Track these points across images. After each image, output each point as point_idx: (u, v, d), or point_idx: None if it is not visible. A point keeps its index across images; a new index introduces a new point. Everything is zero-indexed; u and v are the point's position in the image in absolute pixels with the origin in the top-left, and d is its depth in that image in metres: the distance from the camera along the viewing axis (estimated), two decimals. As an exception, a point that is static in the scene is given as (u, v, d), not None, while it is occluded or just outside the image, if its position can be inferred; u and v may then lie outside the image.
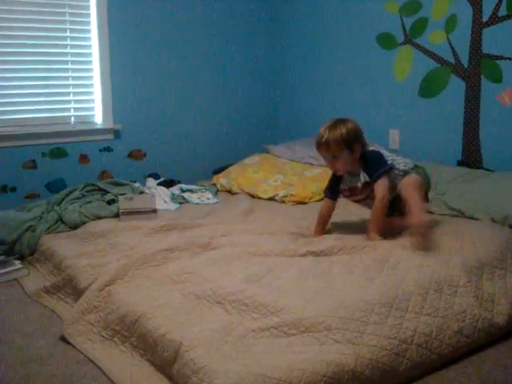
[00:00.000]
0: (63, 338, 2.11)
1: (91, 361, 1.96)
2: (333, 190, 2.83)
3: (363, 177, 2.68)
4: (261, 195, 3.70)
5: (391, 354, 1.77)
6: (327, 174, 3.68)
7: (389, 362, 1.76)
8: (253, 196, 3.74)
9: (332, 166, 2.69)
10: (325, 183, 3.65)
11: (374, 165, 2.66)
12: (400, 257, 2.32)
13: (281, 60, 4.77)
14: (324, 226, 2.84)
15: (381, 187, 2.62)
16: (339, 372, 1.64)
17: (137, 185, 3.70)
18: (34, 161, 3.79)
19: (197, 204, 3.63)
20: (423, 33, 3.65)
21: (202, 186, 3.96)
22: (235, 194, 3.86)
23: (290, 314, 1.85)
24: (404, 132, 3.86)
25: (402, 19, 3.76)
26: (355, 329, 1.79)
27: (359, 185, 2.70)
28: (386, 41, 3.90)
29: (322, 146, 2.62)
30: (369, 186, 2.68)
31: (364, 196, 2.75)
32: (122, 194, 3.39)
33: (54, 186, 3.86)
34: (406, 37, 3.76)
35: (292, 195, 3.59)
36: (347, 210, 3.16)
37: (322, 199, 3.50)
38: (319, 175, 3.72)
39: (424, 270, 2.18)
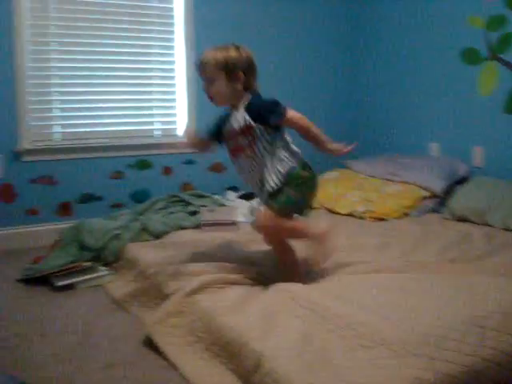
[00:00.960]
0: (147, 344, 2.17)
1: (174, 367, 2.00)
2: (213, 131, 2.44)
3: (243, 118, 2.26)
4: (340, 210, 3.69)
5: (471, 372, 1.72)
6: (408, 190, 3.66)
7: (468, 380, 1.70)
8: (331, 211, 3.73)
9: (206, 90, 2.32)
10: (405, 201, 3.62)
11: (265, 104, 2.26)
12: (480, 278, 2.30)
13: (360, 75, 4.76)
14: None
15: (293, 113, 2.28)
16: (419, 387, 1.61)
17: (217, 197, 3.77)
18: (120, 172, 3.94)
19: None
20: (509, 48, 3.55)
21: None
22: (314, 208, 3.86)
23: (368, 328, 1.83)
24: (489, 149, 3.75)
25: (486, 34, 3.67)
26: (434, 344, 1.75)
27: (236, 126, 2.30)
28: (470, 56, 3.81)
29: (200, 64, 2.30)
30: (249, 132, 2.27)
31: (240, 145, 2.32)
32: (204, 206, 3.47)
33: (139, 196, 3.99)
34: (491, 52, 3.66)
35: (371, 211, 3.56)
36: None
37: (402, 216, 3.49)
38: (399, 192, 3.68)
39: (506, 291, 2.13)
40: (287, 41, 4.50)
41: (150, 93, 4.06)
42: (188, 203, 3.55)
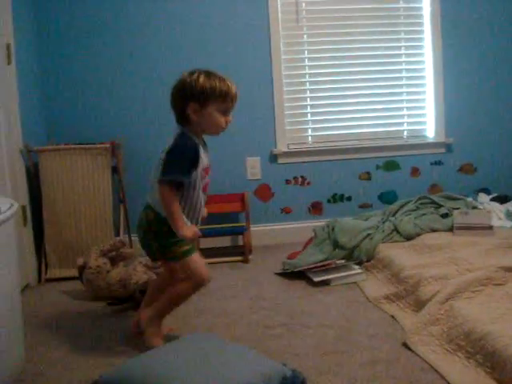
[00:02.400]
0: (405, 345, 2.20)
1: (435, 370, 1.99)
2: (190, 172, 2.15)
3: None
4: None
5: None
6: None
7: None
8: None
9: (228, 119, 2.22)
10: None
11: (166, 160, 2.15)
12: None
13: None
14: None
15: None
16: None
17: (469, 199, 3.65)
18: (368, 173, 4.02)
19: (535, 222, 3.42)
20: None
21: (539, 203, 3.72)
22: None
23: None
24: None
25: None
26: None
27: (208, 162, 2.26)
28: None
29: (235, 97, 2.20)
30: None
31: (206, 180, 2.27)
32: (456, 209, 3.38)
33: (386, 197, 4.04)
34: None
35: None
36: None
37: None
38: None
39: None
40: None
41: (399, 94, 4.07)
42: (439, 205, 3.49)
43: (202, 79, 2.12)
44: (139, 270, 2.87)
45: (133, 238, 3.59)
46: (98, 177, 3.36)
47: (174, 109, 2.21)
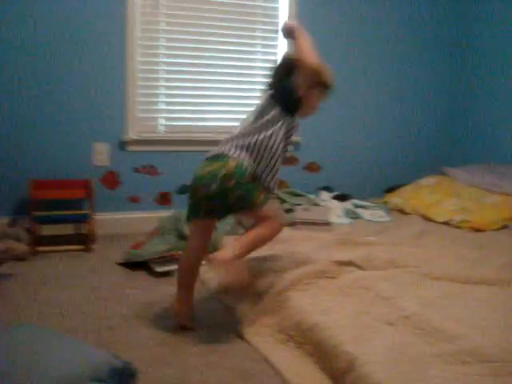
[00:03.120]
0: (240, 335, 2.24)
1: (266, 361, 2.05)
2: None
3: None
4: (435, 218, 3.63)
5: None
6: (509, 202, 3.54)
7: None
8: (426, 218, 3.68)
9: None
10: (505, 213, 3.50)
11: None
12: None
13: (464, 82, 4.63)
14: None
15: None
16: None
17: (312, 196, 3.81)
18: (218, 165, 4.04)
19: (369, 221, 3.64)
20: None
21: (373, 203, 3.97)
22: (407, 214, 3.82)
23: (467, 343, 1.81)
24: None
25: None
26: (535, 365, 1.71)
27: None
28: None
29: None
30: None
31: None
32: (298, 205, 3.51)
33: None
34: None
35: (469, 221, 3.47)
36: None
37: (499, 229, 3.38)
38: (500, 203, 3.57)
39: None
40: (388, 42, 4.46)
41: (252, 90, 4.13)
42: (283, 201, 3.60)
43: None
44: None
45: None
46: None
47: None
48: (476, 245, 3.07)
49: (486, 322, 1.98)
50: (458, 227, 3.48)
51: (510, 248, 2.99)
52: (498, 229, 3.43)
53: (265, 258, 2.74)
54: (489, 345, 1.79)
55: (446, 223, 3.56)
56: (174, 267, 2.94)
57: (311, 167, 4.32)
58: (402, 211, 3.89)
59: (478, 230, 3.41)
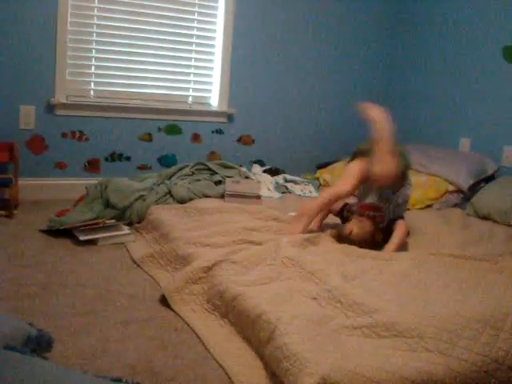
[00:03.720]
0: (163, 304, 2.22)
1: (189, 330, 2.05)
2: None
3: None
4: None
5: (481, 372, 1.74)
6: (433, 182, 3.65)
7: (477, 379, 1.72)
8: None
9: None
10: (429, 192, 3.61)
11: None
12: (497, 278, 2.31)
13: (398, 64, 4.71)
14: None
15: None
16: (428, 381, 1.63)
17: (243, 169, 3.80)
18: (150, 134, 3.98)
19: (299, 196, 3.67)
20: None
21: (305, 178, 4.01)
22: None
23: (384, 317, 1.86)
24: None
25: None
26: (447, 340, 1.77)
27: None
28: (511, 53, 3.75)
29: None
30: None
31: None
32: (229, 177, 3.50)
33: (166, 161, 4.04)
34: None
35: (395, 200, 3.55)
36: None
37: (424, 208, 3.48)
38: (424, 183, 3.66)
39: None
40: (325, 32, 4.47)
41: (188, 59, 4.06)
42: (214, 172, 3.58)
43: None
44: None
45: None
46: None
47: None
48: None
49: (405, 297, 2.03)
50: (384, 204, 3.55)
51: (433, 227, 3.08)
52: (422, 208, 3.52)
53: (193, 229, 2.73)
54: (405, 320, 1.83)
55: (373, 202, 3.62)
56: (98, 236, 2.88)
57: (244, 140, 4.31)
58: (331, 187, 3.94)
59: (403, 209, 3.49)
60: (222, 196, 3.30)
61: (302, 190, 3.77)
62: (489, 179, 3.71)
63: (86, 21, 3.72)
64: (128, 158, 3.94)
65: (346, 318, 1.91)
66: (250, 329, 1.93)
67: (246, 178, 3.62)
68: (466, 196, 3.66)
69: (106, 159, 3.88)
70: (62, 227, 2.97)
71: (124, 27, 3.82)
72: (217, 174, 3.56)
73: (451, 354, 1.73)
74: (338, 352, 1.68)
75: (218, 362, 1.85)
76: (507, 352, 1.81)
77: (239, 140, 4.29)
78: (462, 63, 4.13)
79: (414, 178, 3.70)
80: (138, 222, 3.13)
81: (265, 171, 3.97)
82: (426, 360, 1.69)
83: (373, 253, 2.54)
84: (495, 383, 1.76)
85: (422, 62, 4.47)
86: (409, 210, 3.46)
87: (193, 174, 3.53)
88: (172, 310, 2.19)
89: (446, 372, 1.67)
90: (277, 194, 3.59)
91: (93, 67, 3.80)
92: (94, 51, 3.78)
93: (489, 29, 3.89)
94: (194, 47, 4.06)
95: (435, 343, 1.76)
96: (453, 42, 4.19)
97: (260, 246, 2.50)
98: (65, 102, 3.69)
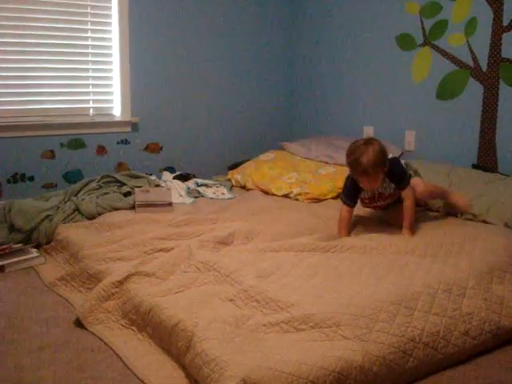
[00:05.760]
0: (78, 326, 2.16)
1: (107, 349, 2.00)
2: (353, 199, 2.88)
3: (390, 187, 2.83)
4: (275, 192, 3.73)
5: (398, 352, 1.80)
6: (341, 172, 3.72)
7: (396, 360, 1.78)
8: (267, 193, 3.77)
9: (368, 186, 2.76)
10: (339, 182, 3.68)
11: (401, 175, 2.83)
12: (408, 259, 2.38)
13: (299, 58, 4.80)
14: (348, 232, 2.86)
15: (410, 192, 2.82)
16: (347, 368, 1.67)
17: (153, 178, 3.75)
18: (52, 151, 3.85)
19: (211, 199, 3.67)
20: (443, 35, 3.65)
21: (217, 181, 4.00)
22: (249, 190, 3.89)
23: (300, 310, 1.88)
24: (420, 133, 3.87)
25: (421, 20, 3.76)
26: (364, 326, 1.82)
27: (390, 191, 2.85)
28: (405, 42, 3.90)
29: (362, 174, 2.67)
30: (393, 192, 2.85)
31: (386, 202, 2.91)
32: (139, 187, 3.44)
33: (72, 177, 3.92)
34: (425, 38, 3.76)
35: (306, 193, 3.61)
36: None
37: (336, 198, 3.55)
38: (334, 174, 3.74)
39: (432, 272, 2.22)
40: (224, 27, 4.48)
41: (85, 70, 3.94)
42: (122, 184, 3.51)
43: None
44: None
45: None
46: None
47: None
48: (311, 214, 3.19)
49: (320, 289, 2.06)
50: (296, 199, 3.61)
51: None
52: (333, 198, 3.60)
53: (103, 244, 2.67)
54: (321, 311, 1.87)
55: (286, 196, 3.67)
56: (4, 262, 2.76)
57: (152, 148, 4.25)
58: (244, 187, 3.96)
59: (315, 201, 3.56)
60: (133, 207, 3.24)
61: (214, 193, 3.76)
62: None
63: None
64: (31, 178, 3.79)
65: (263, 315, 1.92)
66: (169, 339, 1.91)
67: (156, 186, 3.57)
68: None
69: (9, 181, 3.72)
70: (-35, 256, 2.82)
71: (16, 43, 3.65)
72: (125, 185, 3.49)
73: (368, 338, 1.78)
74: (257, 351, 1.69)
75: (138, 378, 1.82)
76: (422, 330, 1.89)
77: (146, 148, 4.23)
78: (360, 53, 4.25)
79: (323, 171, 3.81)
80: (47, 243, 3.02)
81: (175, 177, 3.93)
82: (344, 347, 1.73)
83: (284, 245, 2.57)
84: (414, 362, 1.82)
85: (323, 54, 4.56)
86: (320, 200, 3.55)
87: (100, 187, 3.44)
88: (88, 330, 2.13)
89: (365, 357, 1.72)
90: (189, 200, 3.56)
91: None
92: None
93: (383, 19, 4.04)
94: (90, 57, 3.95)
95: (352, 330, 1.80)
96: (352, 33, 4.30)
97: (172, 252, 2.47)
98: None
